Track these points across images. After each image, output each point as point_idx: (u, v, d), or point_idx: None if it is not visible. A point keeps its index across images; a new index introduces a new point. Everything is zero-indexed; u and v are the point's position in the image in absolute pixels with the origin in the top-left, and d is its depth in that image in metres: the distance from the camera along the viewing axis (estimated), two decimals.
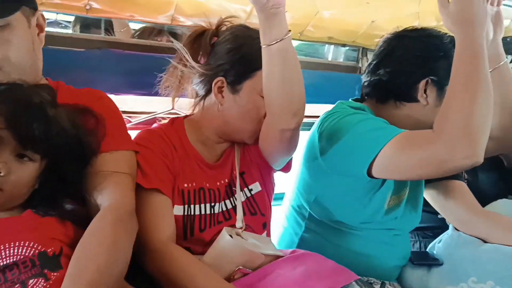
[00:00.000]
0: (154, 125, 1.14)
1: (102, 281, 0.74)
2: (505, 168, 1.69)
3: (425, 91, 1.20)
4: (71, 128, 0.87)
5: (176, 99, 1.18)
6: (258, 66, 1.01)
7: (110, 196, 0.87)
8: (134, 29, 1.72)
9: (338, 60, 1.96)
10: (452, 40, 1.13)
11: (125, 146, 0.97)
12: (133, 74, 1.27)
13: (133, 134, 1.06)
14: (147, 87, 1.18)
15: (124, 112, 1.22)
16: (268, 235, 1.17)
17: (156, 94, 1.17)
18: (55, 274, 0.78)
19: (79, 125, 0.89)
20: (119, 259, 0.79)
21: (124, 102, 1.26)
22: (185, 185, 1.07)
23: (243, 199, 1.12)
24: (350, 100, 1.33)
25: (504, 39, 1.24)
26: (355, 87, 1.69)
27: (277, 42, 0.92)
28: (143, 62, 1.28)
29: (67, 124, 0.86)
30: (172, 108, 1.22)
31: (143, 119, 1.30)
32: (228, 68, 1.07)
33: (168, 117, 1.19)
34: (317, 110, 1.66)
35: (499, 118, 1.22)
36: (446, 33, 1.23)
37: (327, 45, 1.93)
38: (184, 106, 1.21)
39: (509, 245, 1.23)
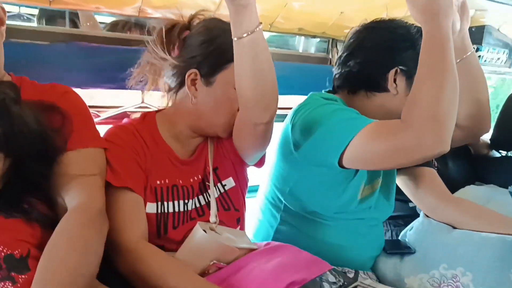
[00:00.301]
0: (125, 120, 1.12)
1: (73, 282, 0.72)
2: (472, 156, 1.74)
3: (394, 81, 1.22)
4: (35, 125, 0.83)
5: (146, 92, 1.15)
6: (232, 58, 0.99)
7: (78, 196, 0.85)
8: (101, 22, 1.68)
9: (310, 52, 1.96)
10: (419, 30, 1.15)
11: (93, 143, 0.94)
12: (101, 67, 1.23)
13: (102, 129, 1.03)
14: (116, 81, 1.16)
15: (92, 106, 1.19)
16: (242, 229, 1.16)
17: (125, 88, 1.14)
18: (23, 277, 0.76)
19: (44, 122, 0.86)
20: (89, 259, 0.77)
21: (92, 96, 1.22)
22: (158, 182, 1.05)
23: (216, 194, 1.11)
24: (322, 91, 1.34)
25: (469, 29, 1.26)
26: (325, 78, 1.70)
27: (248, 34, 0.91)
28: (111, 56, 1.24)
29: (31, 121, 0.83)
30: (142, 102, 1.19)
31: (112, 114, 1.27)
32: (201, 60, 1.06)
33: (138, 111, 1.17)
34: (289, 101, 1.67)
35: (466, 107, 1.24)
36: (413, 24, 1.24)
37: (297, 36, 1.93)
38: (155, 99, 1.18)
39: (478, 231, 1.27)
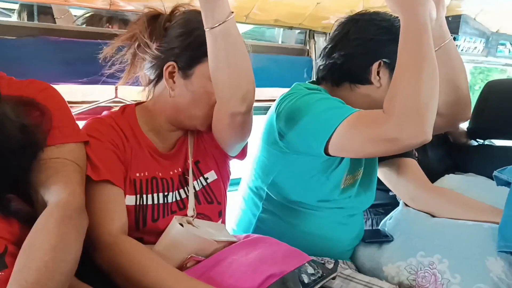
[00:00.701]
0: (104, 113, 1.10)
1: (50, 279, 0.71)
2: (451, 145, 1.75)
3: (378, 74, 1.23)
4: (15, 121, 0.82)
5: (120, 86, 1.14)
6: None
7: (57, 193, 0.83)
8: (76, 15, 1.65)
9: (289, 43, 1.95)
10: None
11: (73, 138, 0.93)
12: (72, 62, 1.21)
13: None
14: (88, 76, 1.13)
15: None
16: (223, 222, 1.16)
17: (98, 82, 1.11)
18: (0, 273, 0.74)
19: (24, 118, 0.84)
20: (67, 256, 0.76)
21: (63, 92, 1.20)
22: (137, 174, 1.03)
23: (198, 188, 1.10)
24: (306, 82, 1.34)
25: (446, 18, 1.27)
26: (303, 69, 1.70)
27: (219, 24, 0.90)
28: (82, 50, 1.22)
29: (11, 116, 0.81)
30: (116, 97, 1.17)
31: (85, 109, 1.25)
32: (179, 52, 1.04)
33: (111, 106, 1.15)
34: (268, 93, 1.66)
35: (447, 95, 1.25)
36: (397, 17, 1.24)
37: (276, 28, 1.92)
38: (128, 94, 1.16)
39: (456, 219, 1.28)
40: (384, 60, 1.22)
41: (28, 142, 0.84)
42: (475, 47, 2.11)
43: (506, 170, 1.17)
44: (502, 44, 2.31)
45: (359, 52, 1.23)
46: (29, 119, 0.85)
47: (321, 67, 1.31)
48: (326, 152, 1.10)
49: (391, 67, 1.21)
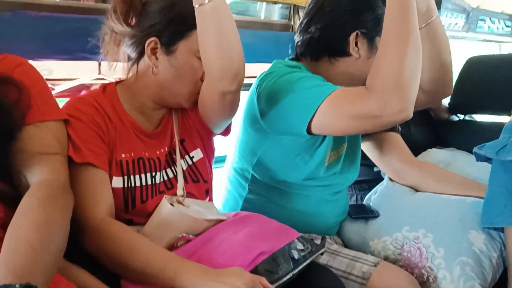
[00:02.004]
0: (83, 92, 1.06)
1: (38, 260, 0.70)
2: (433, 120, 1.78)
3: (356, 44, 1.22)
4: None
5: (103, 63, 1.10)
6: (194, 26, 0.96)
7: (40, 173, 0.81)
8: None
9: (272, 19, 1.92)
10: None
11: (53, 116, 0.89)
12: (52, 38, 1.16)
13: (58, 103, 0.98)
14: (70, 52, 1.09)
15: (46, 79, 1.13)
16: (211, 201, 1.15)
17: (80, 59, 1.08)
18: None
19: (0, 95, 0.80)
20: (54, 236, 0.74)
21: (44, 68, 1.16)
22: (123, 155, 1.01)
23: (184, 167, 1.08)
24: (286, 59, 1.32)
25: None
26: (288, 45, 1.68)
27: (209, 1, 0.88)
28: (63, 25, 1.17)
29: None
30: (99, 73, 1.13)
31: (68, 87, 1.21)
32: (161, 28, 1.01)
33: (95, 83, 1.11)
34: (252, 69, 1.64)
35: (430, 72, 1.26)
36: None
37: (259, 3, 1.89)
38: (112, 71, 1.13)
39: (439, 193, 1.31)
40: (361, 30, 1.21)
41: (6, 123, 0.81)
42: (456, 23, 2.13)
43: (485, 146, 1.19)
44: (482, 20, 2.33)
45: (335, 24, 1.22)
46: (5, 98, 0.82)
47: (298, 43, 1.30)
48: (308, 131, 1.10)
49: (368, 37, 1.22)
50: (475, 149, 1.22)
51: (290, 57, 1.34)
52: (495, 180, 1.17)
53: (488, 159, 1.20)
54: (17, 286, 0.65)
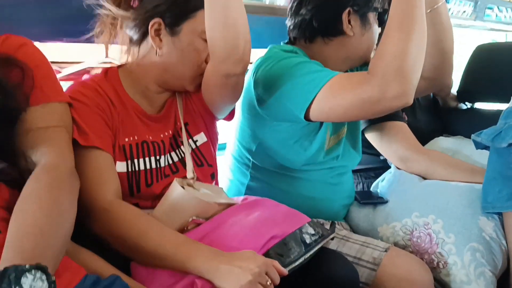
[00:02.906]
0: (85, 76, 1.05)
1: (47, 244, 0.69)
2: (440, 108, 1.76)
3: (349, 22, 1.21)
4: None
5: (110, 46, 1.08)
6: (198, 6, 0.95)
7: (46, 155, 0.80)
8: None
9: (277, 4, 1.90)
10: None
11: (57, 97, 0.88)
12: (59, 20, 1.14)
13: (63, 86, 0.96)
14: (77, 34, 1.07)
15: (52, 62, 1.11)
16: (217, 185, 1.14)
17: (88, 41, 1.06)
18: None
19: (3, 77, 0.79)
20: (62, 220, 0.73)
21: (50, 51, 1.14)
22: (126, 139, 1.00)
23: (188, 151, 1.07)
24: (281, 43, 1.31)
25: None
26: (285, 30, 1.65)
27: None
28: (70, 6, 1.15)
29: None
30: (106, 57, 1.11)
31: (74, 70, 1.19)
32: (165, 8, 1.00)
33: (101, 67, 1.09)
34: (257, 55, 1.62)
35: (433, 58, 1.24)
36: None
37: None
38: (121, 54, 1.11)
39: (447, 181, 1.30)
40: (353, 7, 1.20)
41: (9, 104, 0.79)
42: (464, 11, 2.11)
43: (482, 133, 1.19)
44: (490, 8, 2.31)
45: (326, 4, 1.22)
46: (8, 78, 0.80)
47: (291, 27, 1.29)
48: (306, 117, 1.09)
49: (360, 13, 1.22)
50: (473, 136, 1.22)
51: (285, 41, 1.33)
52: (490, 166, 1.18)
53: (487, 146, 1.19)
54: (27, 266, 0.64)
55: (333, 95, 1.03)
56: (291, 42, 1.31)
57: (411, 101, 0.98)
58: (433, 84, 1.34)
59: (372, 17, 1.25)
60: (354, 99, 1.01)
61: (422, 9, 0.98)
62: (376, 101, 0.98)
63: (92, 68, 1.11)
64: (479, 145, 1.20)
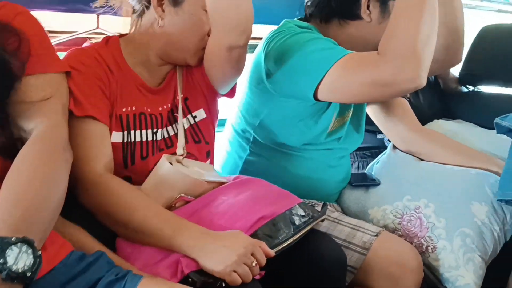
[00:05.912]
0: (85, 44, 1.03)
1: (36, 216, 0.69)
2: (441, 90, 1.73)
3: (368, 7, 1.18)
4: None
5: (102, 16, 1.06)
6: None
7: (40, 125, 0.79)
8: None
9: None
10: None
11: (54, 68, 0.86)
12: None
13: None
14: (66, 3, 1.04)
15: None
16: (212, 163, 1.13)
17: (78, 11, 1.03)
18: None
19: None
20: (53, 193, 0.73)
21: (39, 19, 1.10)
22: (124, 109, 0.98)
23: (186, 126, 1.06)
24: (295, 19, 1.27)
25: None
26: (297, 7, 1.62)
27: None
28: None
29: None
30: (97, 27, 1.09)
31: (64, 39, 1.16)
32: None
33: (92, 37, 1.07)
34: (260, 31, 1.59)
35: (442, 37, 1.21)
36: None
37: None
38: (111, 25, 1.08)
39: (445, 163, 1.28)
40: None
41: (5, 72, 0.77)
42: None
43: (508, 117, 1.15)
44: None
45: None
46: (4, 45, 0.78)
47: (308, 3, 1.26)
48: (315, 96, 1.07)
49: (381, 0, 1.18)
50: (497, 120, 1.18)
51: (299, 18, 1.30)
52: None
53: (509, 131, 1.16)
54: (13, 239, 0.64)
55: (343, 74, 1.02)
56: (306, 19, 1.28)
57: (423, 84, 0.96)
58: (444, 65, 1.33)
59: (393, 6, 1.21)
60: (365, 80, 0.99)
61: None
62: (387, 84, 0.96)
63: (82, 38, 1.08)
64: (501, 129, 1.17)
